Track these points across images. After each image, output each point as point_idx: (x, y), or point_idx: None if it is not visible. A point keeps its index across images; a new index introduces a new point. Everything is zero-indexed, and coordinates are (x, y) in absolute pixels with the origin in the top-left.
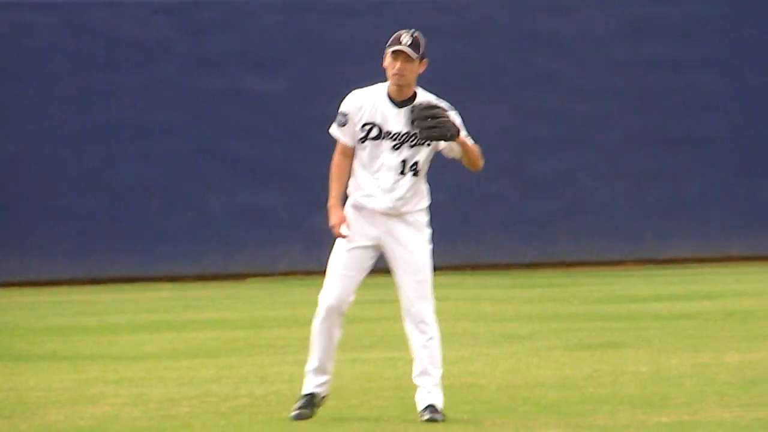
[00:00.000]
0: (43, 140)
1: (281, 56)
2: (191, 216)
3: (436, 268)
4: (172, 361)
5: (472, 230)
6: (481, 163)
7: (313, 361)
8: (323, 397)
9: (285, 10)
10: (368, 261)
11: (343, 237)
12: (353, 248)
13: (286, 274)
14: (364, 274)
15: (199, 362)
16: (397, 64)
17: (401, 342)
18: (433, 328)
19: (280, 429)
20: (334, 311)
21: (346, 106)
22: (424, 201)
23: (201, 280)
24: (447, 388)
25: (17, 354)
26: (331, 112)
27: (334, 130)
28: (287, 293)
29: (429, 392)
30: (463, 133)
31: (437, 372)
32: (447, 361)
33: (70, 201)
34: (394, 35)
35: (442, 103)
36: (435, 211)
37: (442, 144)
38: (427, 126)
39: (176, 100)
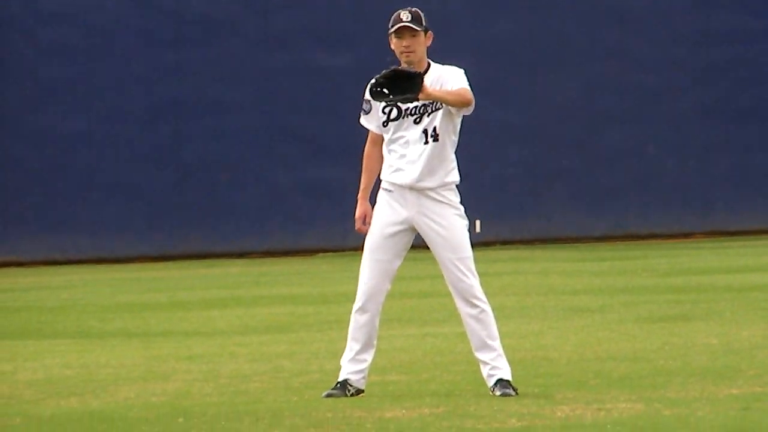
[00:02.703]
0: (112, 118)
1: (348, 32)
2: (261, 192)
3: (506, 242)
4: (242, 336)
5: (542, 204)
6: (465, 100)
7: (350, 350)
8: (358, 390)
9: None
10: (403, 245)
11: (362, 231)
12: (387, 233)
13: (355, 249)
14: (400, 259)
15: (269, 338)
16: (404, 42)
17: None
18: (483, 302)
19: (351, 404)
20: (372, 298)
21: (367, 93)
22: (452, 176)
23: (271, 255)
24: (518, 361)
25: (88, 331)
26: None
27: (362, 119)
28: (356, 268)
29: (494, 366)
30: (452, 86)
31: (496, 343)
32: (517, 334)
33: (140, 178)
34: (393, 16)
35: (443, 69)
36: (504, 186)
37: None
38: (383, 92)
39: (244, 76)
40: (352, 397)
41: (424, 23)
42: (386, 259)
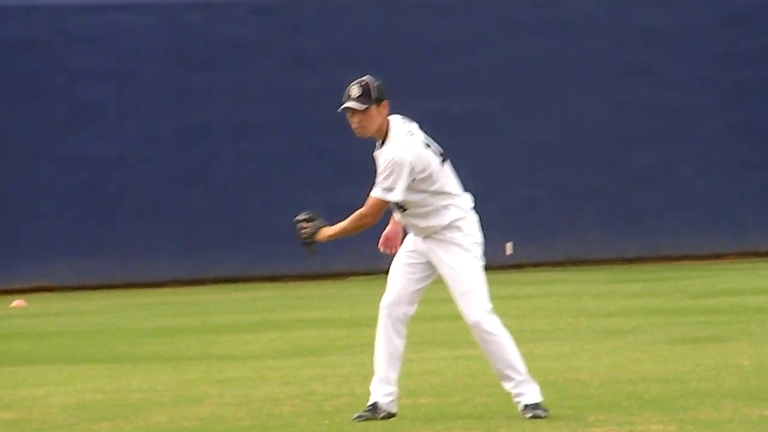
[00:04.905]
0: (142, 141)
1: (378, 54)
2: (291, 215)
3: (537, 264)
4: (275, 360)
5: (573, 225)
6: (358, 225)
7: (376, 371)
8: (389, 414)
9: (381, 8)
10: (422, 274)
11: (382, 250)
12: (407, 261)
13: (386, 272)
14: (419, 287)
15: (301, 361)
16: (354, 119)
17: None
18: (492, 333)
19: (382, 428)
20: (392, 312)
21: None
22: (449, 216)
23: (302, 279)
24: (550, 383)
25: (120, 356)
26: (428, 109)
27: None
28: None
29: (518, 393)
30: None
31: (515, 372)
32: (549, 357)
33: (171, 201)
34: (346, 89)
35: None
36: (535, 207)
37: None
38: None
39: (274, 98)
40: (383, 420)
41: (374, 95)
42: (404, 284)
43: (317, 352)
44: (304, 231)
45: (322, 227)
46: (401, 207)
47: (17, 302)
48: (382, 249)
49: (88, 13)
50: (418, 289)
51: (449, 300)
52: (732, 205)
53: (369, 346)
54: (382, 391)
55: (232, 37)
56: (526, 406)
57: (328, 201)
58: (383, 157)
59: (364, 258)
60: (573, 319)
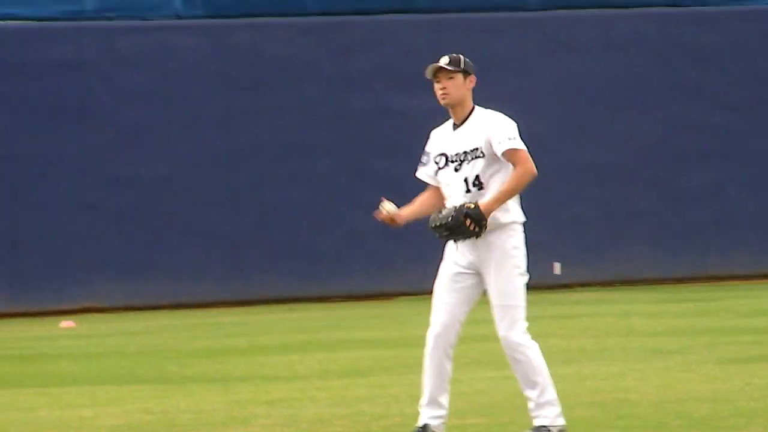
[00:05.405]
0: (190, 162)
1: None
2: (340, 235)
3: (585, 284)
4: (323, 381)
5: (621, 245)
6: (523, 181)
7: (425, 394)
8: None
9: (430, 28)
10: (470, 288)
11: (378, 215)
12: (454, 274)
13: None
14: (468, 303)
15: (350, 382)
16: (441, 83)
17: (551, 358)
18: (518, 351)
19: None
20: (440, 340)
21: (427, 145)
22: (508, 215)
23: (350, 299)
24: (598, 403)
25: (168, 376)
26: None
27: (419, 172)
28: None
29: (533, 416)
30: (505, 146)
31: (532, 393)
32: (598, 376)
33: (219, 222)
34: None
35: (488, 119)
36: (583, 227)
37: (497, 148)
38: (445, 234)
39: (322, 119)
40: None
41: (462, 65)
42: (453, 302)
43: (365, 373)
44: (471, 224)
45: (476, 207)
46: (479, 184)
47: (66, 323)
48: (381, 214)
49: (136, 33)
50: (467, 304)
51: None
52: None
53: (417, 366)
54: (431, 413)
55: (280, 58)
56: (534, 428)
57: (376, 222)
58: (492, 122)
59: (412, 278)
60: (621, 339)
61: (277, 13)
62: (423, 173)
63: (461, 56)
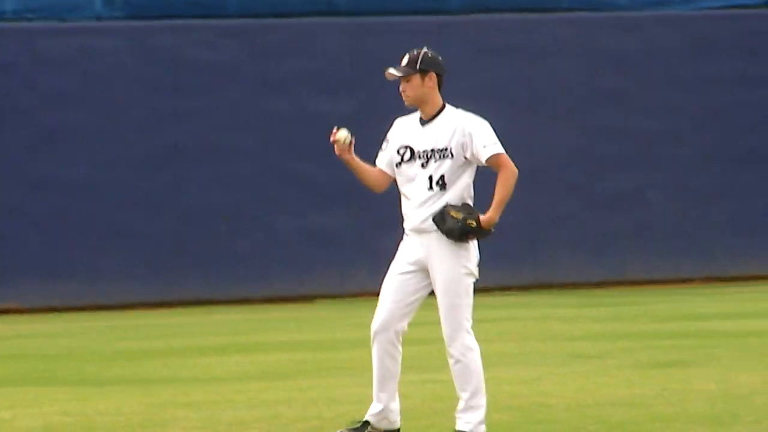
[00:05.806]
0: (111, 164)
1: (348, 78)
2: (259, 238)
3: (505, 288)
4: (241, 383)
5: (540, 249)
6: (511, 183)
7: (373, 390)
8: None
9: (350, 31)
10: (416, 286)
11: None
12: (400, 273)
13: (354, 295)
14: (413, 301)
15: (268, 385)
16: (400, 86)
17: None
18: (459, 352)
19: None
20: (382, 337)
21: (389, 132)
22: None
23: (270, 302)
24: (516, 408)
25: (87, 378)
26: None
27: (378, 158)
28: (356, 315)
29: (457, 417)
30: (489, 152)
31: (463, 395)
32: (516, 381)
33: (139, 225)
34: None
35: (461, 119)
36: (503, 231)
37: (469, 154)
38: (446, 230)
39: (243, 122)
40: None
41: (420, 65)
42: (397, 299)
43: (284, 376)
44: (471, 238)
45: (476, 218)
46: (443, 184)
47: None
48: (336, 143)
49: (56, 35)
50: (412, 302)
51: (418, 323)
52: (700, 230)
53: (337, 369)
54: (372, 410)
55: (201, 60)
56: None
57: (297, 225)
58: (467, 124)
59: (332, 281)
60: (540, 343)
61: (198, 15)
62: (382, 161)
63: (422, 53)
